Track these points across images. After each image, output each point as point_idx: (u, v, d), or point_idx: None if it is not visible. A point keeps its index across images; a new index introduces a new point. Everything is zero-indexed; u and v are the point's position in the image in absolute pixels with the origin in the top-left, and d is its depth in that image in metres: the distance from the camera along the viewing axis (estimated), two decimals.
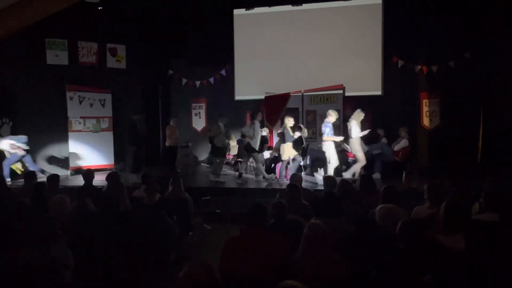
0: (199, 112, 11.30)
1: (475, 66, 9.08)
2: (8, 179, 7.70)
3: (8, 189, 5.79)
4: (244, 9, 10.77)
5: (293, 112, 8.98)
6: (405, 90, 9.83)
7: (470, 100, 9.07)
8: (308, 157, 8.56)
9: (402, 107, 9.72)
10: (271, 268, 2.68)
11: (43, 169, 8.80)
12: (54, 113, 9.36)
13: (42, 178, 6.88)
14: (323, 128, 7.62)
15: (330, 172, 7.46)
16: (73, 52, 9.69)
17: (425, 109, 9.75)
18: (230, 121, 8.96)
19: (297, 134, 7.75)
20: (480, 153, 9.06)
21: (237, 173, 8.47)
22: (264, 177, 8.04)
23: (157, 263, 3.31)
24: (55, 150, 9.52)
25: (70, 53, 9.66)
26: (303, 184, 5.76)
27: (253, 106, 10.53)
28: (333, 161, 7.56)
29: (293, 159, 7.85)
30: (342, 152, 8.44)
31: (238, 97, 10.90)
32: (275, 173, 8.27)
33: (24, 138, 8.66)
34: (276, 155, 8.71)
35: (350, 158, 8.32)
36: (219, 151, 8.11)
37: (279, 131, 9.22)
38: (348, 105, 8.83)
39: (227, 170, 9.25)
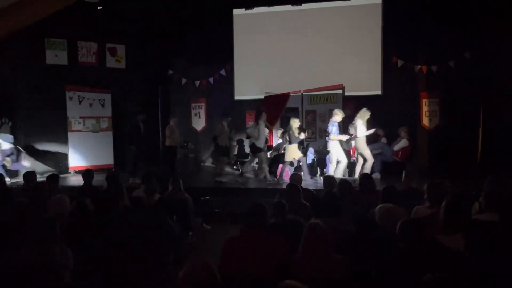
0: (199, 112, 11.30)
1: (475, 66, 9.07)
2: (8, 179, 7.69)
3: (8, 189, 5.79)
4: (244, 9, 10.76)
5: (293, 112, 8.97)
6: (405, 90, 9.82)
7: (470, 100, 9.06)
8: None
9: (401, 107, 9.71)
10: (271, 268, 2.68)
11: (27, 165, 8.76)
12: (54, 113, 9.36)
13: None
14: (329, 127, 7.60)
15: (340, 171, 7.46)
16: (72, 52, 9.69)
17: (424, 109, 9.75)
18: (230, 121, 8.97)
19: (303, 135, 7.75)
20: (480, 153, 9.06)
21: (237, 172, 8.48)
22: (265, 177, 8.02)
23: (157, 263, 3.31)
24: (54, 150, 9.50)
25: (70, 53, 9.65)
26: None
27: (253, 106, 10.55)
28: (341, 159, 7.55)
29: (299, 161, 7.84)
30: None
31: (237, 97, 10.89)
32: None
33: (10, 137, 8.66)
34: (275, 154, 8.72)
35: (352, 158, 8.29)
36: (222, 151, 8.11)
37: (282, 131, 9.23)
38: (347, 105, 8.83)
39: (227, 170, 9.26)
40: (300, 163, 7.88)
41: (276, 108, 8.85)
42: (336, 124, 7.57)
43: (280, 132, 9.41)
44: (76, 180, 7.99)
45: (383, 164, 8.06)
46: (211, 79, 10.94)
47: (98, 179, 6.45)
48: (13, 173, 8.55)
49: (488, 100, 9.05)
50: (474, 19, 8.89)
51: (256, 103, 10.37)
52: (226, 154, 8.30)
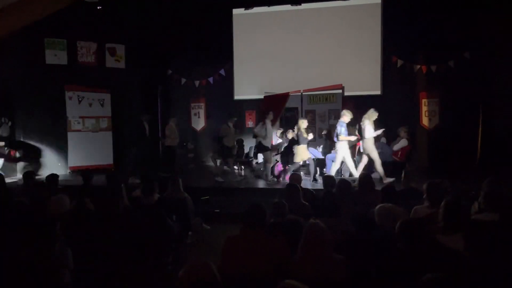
0: (198, 112, 11.31)
1: (475, 65, 9.09)
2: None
3: (7, 189, 5.79)
4: (243, 8, 10.77)
5: (293, 112, 8.98)
6: (404, 90, 9.83)
7: (470, 100, 9.07)
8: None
9: (401, 107, 9.72)
10: (270, 268, 2.68)
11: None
12: (53, 113, 9.35)
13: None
14: (338, 128, 7.54)
15: (353, 172, 7.45)
16: (72, 52, 9.67)
17: (424, 108, 9.76)
18: (235, 122, 8.94)
19: (311, 136, 7.74)
20: (479, 152, 9.07)
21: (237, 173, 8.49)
22: (266, 176, 8.02)
23: (157, 263, 3.32)
24: (54, 149, 9.50)
25: (69, 53, 9.64)
26: None
27: (253, 106, 10.55)
28: (348, 161, 7.52)
29: (307, 162, 7.84)
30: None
31: (237, 96, 10.90)
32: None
33: None
34: (275, 154, 8.71)
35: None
36: (228, 151, 8.09)
37: (282, 131, 9.24)
38: (347, 104, 8.83)
39: (227, 170, 9.26)
40: (307, 163, 7.88)
41: (275, 108, 8.85)
42: (345, 124, 7.48)
43: (279, 132, 9.42)
44: (75, 180, 7.99)
45: (383, 164, 8.05)
46: (210, 79, 10.94)
47: (98, 179, 6.45)
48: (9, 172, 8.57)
49: (487, 100, 9.07)
50: (474, 19, 8.89)
51: (255, 103, 10.38)
52: (231, 155, 8.28)
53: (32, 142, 9.31)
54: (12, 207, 4.02)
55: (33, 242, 2.94)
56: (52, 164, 9.30)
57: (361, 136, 7.66)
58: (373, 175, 6.49)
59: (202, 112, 11.28)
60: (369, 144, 7.44)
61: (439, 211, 3.13)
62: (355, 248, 2.92)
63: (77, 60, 9.77)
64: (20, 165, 9.16)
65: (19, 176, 8.55)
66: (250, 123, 10.75)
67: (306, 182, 7.56)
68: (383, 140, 8.77)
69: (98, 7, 9.30)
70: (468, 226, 3.11)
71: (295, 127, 8.36)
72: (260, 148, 8.01)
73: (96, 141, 9.65)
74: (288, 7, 10.46)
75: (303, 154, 7.67)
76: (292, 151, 7.88)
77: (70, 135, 9.32)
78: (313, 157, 8.19)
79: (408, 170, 8.07)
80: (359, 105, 8.08)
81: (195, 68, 10.93)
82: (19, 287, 2.62)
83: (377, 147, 8.26)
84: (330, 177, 5.47)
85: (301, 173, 7.65)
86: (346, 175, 7.88)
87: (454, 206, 3.09)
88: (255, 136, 8.23)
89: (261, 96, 9.80)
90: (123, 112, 9.94)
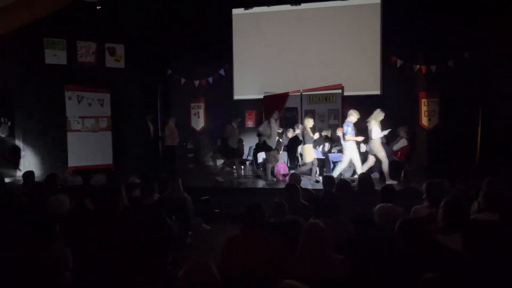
0: (198, 112, 11.31)
1: (474, 65, 9.09)
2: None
3: (7, 189, 5.78)
4: (243, 8, 10.76)
5: (292, 112, 8.98)
6: (404, 90, 9.83)
7: (469, 100, 9.07)
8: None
9: (401, 107, 9.72)
10: (270, 268, 2.68)
11: None
12: (53, 113, 9.34)
13: None
14: (344, 128, 7.52)
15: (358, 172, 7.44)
16: (71, 52, 9.67)
17: (424, 108, 9.76)
18: (229, 121, 8.96)
19: (317, 135, 7.72)
20: (479, 152, 9.07)
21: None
22: (266, 175, 8.02)
23: (156, 263, 3.31)
24: (53, 149, 9.50)
25: (69, 53, 9.63)
26: None
27: (253, 106, 10.55)
28: (355, 162, 7.48)
29: (311, 162, 7.85)
30: (339, 152, 8.46)
31: (237, 96, 10.89)
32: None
33: None
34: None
35: None
36: (233, 152, 8.08)
37: (281, 131, 9.23)
38: (346, 104, 8.83)
39: (227, 169, 9.27)
40: (312, 163, 7.89)
41: (275, 108, 8.85)
42: (352, 124, 7.45)
43: (279, 131, 9.42)
44: (75, 180, 7.99)
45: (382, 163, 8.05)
46: (210, 79, 10.94)
47: (97, 179, 6.46)
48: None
49: (487, 100, 9.06)
50: (473, 19, 8.90)
51: (255, 103, 10.38)
52: (235, 156, 8.27)
53: (31, 142, 9.32)
54: (12, 207, 4.02)
55: (32, 242, 2.94)
56: (51, 164, 9.31)
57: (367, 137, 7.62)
58: (373, 175, 6.50)
59: (201, 112, 11.28)
60: (376, 144, 7.39)
61: (439, 211, 3.13)
62: (355, 248, 2.92)
63: (77, 60, 9.77)
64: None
65: (19, 176, 8.56)
66: (249, 123, 10.75)
67: (306, 182, 7.57)
68: (383, 140, 8.78)
69: (97, 7, 9.29)
70: (468, 226, 3.11)
71: (295, 126, 8.38)
72: (265, 147, 7.99)
73: (96, 141, 9.65)
74: (287, 7, 10.46)
75: (310, 153, 7.67)
76: (295, 151, 7.90)
77: (69, 135, 9.31)
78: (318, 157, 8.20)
79: (407, 170, 8.05)
80: (358, 105, 8.07)
81: (194, 68, 10.93)
82: (19, 287, 2.62)
83: None
84: (330, 177, 5.47)
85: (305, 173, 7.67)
86: (346, 175, 7.88)
87: (453, 206, 3.10)
88: (259, 135, 8.19)
89: (261, 96, 9.80)
90: (123, 112, 9.94)
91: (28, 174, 5.92)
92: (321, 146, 8.98)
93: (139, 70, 10.23)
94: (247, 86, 10.71)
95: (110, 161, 9.78)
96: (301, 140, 8.14)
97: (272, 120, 7.98)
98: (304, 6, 10.35)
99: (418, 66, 9.70)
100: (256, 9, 10.73)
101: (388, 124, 8.56)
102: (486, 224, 3.25)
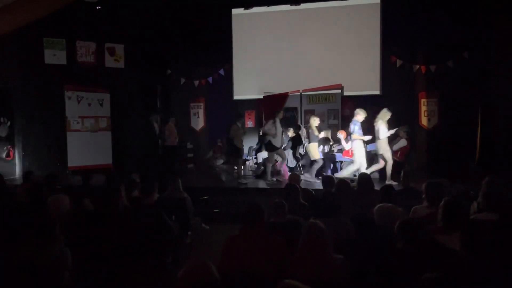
0: (198, 112, 11.31)
1: (474, 65, 9.10)
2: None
3: (7, 189, 5.78)
4: (243, 8, 10.77)
5: (292, 112, 8.98)
6: (404, 90, 9.83)
7: (469, 100, 9.07)
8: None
9: (400, 107, 9.70)
10: (270, 268, 2.69)
11: None
12: (52, 113, 9.34)
13: None
14: (351, 126, 7.48)
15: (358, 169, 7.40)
16: (71, 52, 9.66)
17: (423, 108, 9.76)
18: (229, 121, 8.95)
19: (322, 134, 7.70)
20: (478, 152, 9.08)
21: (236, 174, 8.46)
22: (266, 174, 8.01)
23: (156, 263, 3.31)
24: (53, 149, 9.49)
25: (68, 53, 9.63)
26: None
27: (253, 105, 10.55)
28: (361, 161, 7.44)
29: (315, 161, 7.83)
30: (339, 151, 8.47)
31: (236, 96, 10.90)
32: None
33: None
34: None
35: (349, 158, 8.30)
36: (238, 152, 8.07)
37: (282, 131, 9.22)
38: (346, 104, 8.83)
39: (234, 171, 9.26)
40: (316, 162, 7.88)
41: (275, 108, 8.85)
42: (358, 123, 7.40)
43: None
44: (74, 180, 7.99)
45: None
46: (210, 79, 10.94)
47: (97, 179, 6.45)
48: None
49: (486, 100, 9.07)
50: (473, 18, 8.90)
51: (255, 103, 10.38)
52: (241, 155, 8.24)
53: (31, 142, 9.31)
54: (11, 207, 4.01)
55: (32, 242, 2.94)
56: (51, 164, 9.30)
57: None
58: (373, 175, 6.50)
59: (201, 112, 11.28)
60: (383, 144, 7.36)
61: (438, 211, 3.13)
62: (355, 248, 2.93)
63: (76, 60, 9.76)
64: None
65: (19, 176, 8.56)
66: (249, 123, 10.75)
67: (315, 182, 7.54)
68: None
69: (97, 7, 9.29)
70: (467, 226, 3.11)
71: (295, 126, 8.38)
72: (269, 147, 7.95)
73: (95, 141, 9.65)
74: (287, 7, 10.47)
75: (316, 151, 7.66)
76: (295, 151, 7.89)
77: (69, 135, 9.31)
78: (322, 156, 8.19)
79: (407, 170, 8.05)
80: (358, 105, 8.06)
81: (194, 68, 10.93)
82: (19, 287, 2.62)
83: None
84: (330, 177, 5.47)
85: (303, 173, 7.66)
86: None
87: (453, 206, 3.10)
88: (264, 135, 8.15)
89: (261, 96, 9.79)
90: (123, 112, 9.93)
91: (28, 174, 5.93)
92: (321, 146, 8.99)
93: (139, 70, 10.23)
94: (246, 86, 10.71)
95: (110, 161, 9.78)
96: (301, 140, 8.14)
97: (277, 119, 7.95)
98: (304, 6, 10.36)
99: (417, 66, 9.70)
100: (256, 9, 10.74)
101: (388, 124, 8.57)
102: (485, 224, 3.25)
